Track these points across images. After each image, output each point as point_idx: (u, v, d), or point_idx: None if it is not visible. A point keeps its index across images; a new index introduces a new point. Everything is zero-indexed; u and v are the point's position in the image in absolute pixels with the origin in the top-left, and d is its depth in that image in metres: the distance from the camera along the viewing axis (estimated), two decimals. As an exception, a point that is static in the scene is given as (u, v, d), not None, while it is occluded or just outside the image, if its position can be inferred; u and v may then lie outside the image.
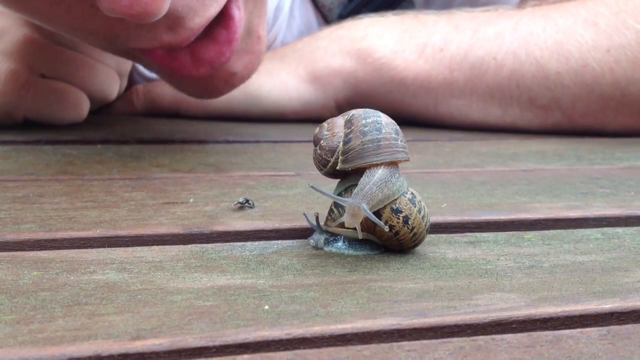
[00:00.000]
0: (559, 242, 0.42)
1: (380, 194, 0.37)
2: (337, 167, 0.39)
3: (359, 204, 0.37)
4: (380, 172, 0.38)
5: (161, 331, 0.29)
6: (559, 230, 0.44)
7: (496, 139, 0.73)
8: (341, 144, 0.39)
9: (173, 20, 0.55)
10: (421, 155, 0.63)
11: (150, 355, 0.28)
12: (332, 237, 0.39)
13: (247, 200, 0.46)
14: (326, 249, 0.39)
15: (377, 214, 0.38)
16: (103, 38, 0.58)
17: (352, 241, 0.39)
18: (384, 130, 0.38)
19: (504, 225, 0.45)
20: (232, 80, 0.63)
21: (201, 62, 0.59)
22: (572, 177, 0.57)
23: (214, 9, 0.56)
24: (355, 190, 0.37)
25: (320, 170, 0.40)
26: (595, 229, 0.44)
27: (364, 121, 0.39)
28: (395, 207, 0.38)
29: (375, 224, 0.37)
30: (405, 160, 0.39)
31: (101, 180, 0.51)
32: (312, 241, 0.40)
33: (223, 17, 0.58)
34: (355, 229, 0.38)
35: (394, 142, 0.38)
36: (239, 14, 0.58)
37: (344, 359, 0.28)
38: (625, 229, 0.45)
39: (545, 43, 0.74)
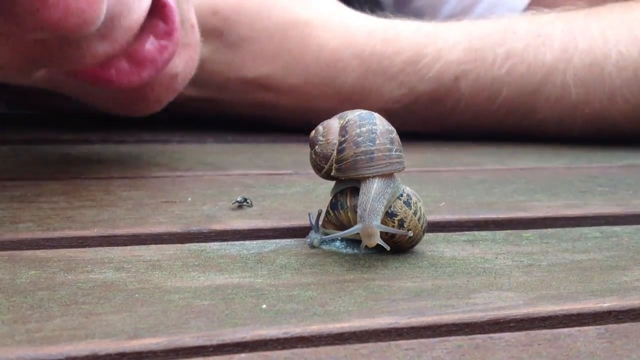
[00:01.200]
0: (557, 241, 0.42)
1: (382, 207, 0.37)
2: (332, 174, 0.39)
3: (370, 224, 0.37)
4: (375, 186, 0.37)
5: (158, 330, 0.29)
6: (557, 229, 0.44)
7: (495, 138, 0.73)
8: (335, 152, 0.38)
9: (105, 23, 0.44)
10: (420, 154, 0.63)
11: (147, 354, 0.28)
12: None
13: (246, 199, 0.46)
14: (324, 247, 0.39)
15: None
16: (15, 70, 0.47)
17: (349, 240, 0.39)
18: (377, 141, 0.38)
19: (502, 224, 0.45)
20: (174, 85, 0.52)
21: (142, 63, 0.48)
22: (570, 175, 0.57)
23: (146, 0, 0.47)
24: (359, 212, 0.37)
25: (317, 173, 0.40)
26: (593, 228, 0.44)
27: (358, 130, 0.38)
28: (390, 211, 0.37)
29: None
30: (400, 170, 0.38)
31: (99, 180, 0.51)
32: (308, 240, 0.40)
33: (157, 8, 0.48)
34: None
35: (387, 153, 0.38)
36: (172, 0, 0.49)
37: (341, 358, 0.28)
38: (623, 228, 0.45)
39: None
